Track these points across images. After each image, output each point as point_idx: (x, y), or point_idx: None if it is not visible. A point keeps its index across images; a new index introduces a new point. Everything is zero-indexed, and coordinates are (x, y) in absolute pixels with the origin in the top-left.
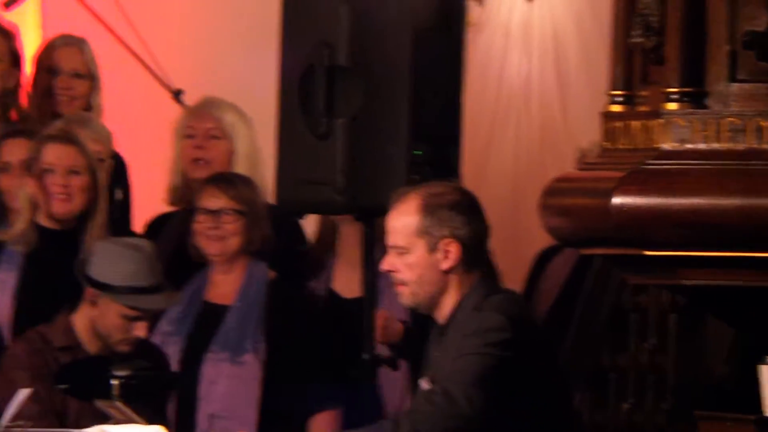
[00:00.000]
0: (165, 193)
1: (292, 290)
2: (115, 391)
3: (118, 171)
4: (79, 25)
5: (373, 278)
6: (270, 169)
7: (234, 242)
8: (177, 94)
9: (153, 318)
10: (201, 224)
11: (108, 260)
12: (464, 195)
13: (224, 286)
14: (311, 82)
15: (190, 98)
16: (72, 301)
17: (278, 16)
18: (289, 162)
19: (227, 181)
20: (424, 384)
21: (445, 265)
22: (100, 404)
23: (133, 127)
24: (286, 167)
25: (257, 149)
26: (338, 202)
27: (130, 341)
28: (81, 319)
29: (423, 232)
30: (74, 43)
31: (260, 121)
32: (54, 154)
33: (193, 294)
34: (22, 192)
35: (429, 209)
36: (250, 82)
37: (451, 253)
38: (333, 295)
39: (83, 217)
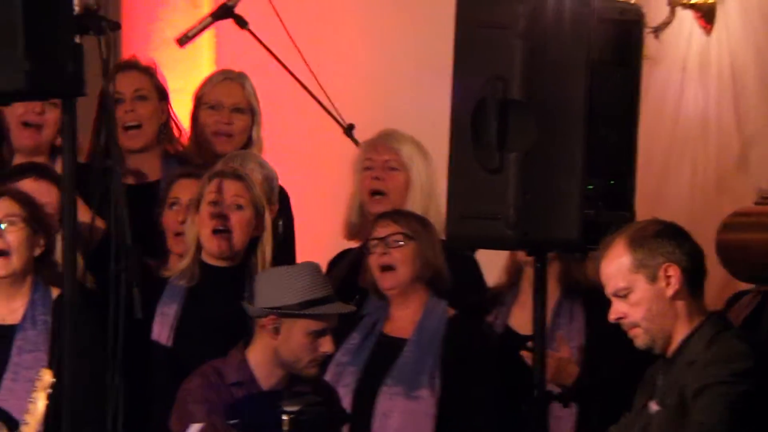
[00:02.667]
0: (342, 228)
1: (470, 327)
2: (286, 427)
3: (282, 204)
4: (252, 61)
5: (543, 314)
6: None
7: (404, 272)
8: (349, 129)
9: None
10: (373, 255)
11: (277, 284)
12: (666, 223)
13: (402, 320)
14: (483, 116)
15: (362, 133)
16: (230, 337)
17: (451, 49)
18: (461, 196)
19: (399, 213)
20: (653, 406)
21: (670, 291)
22: None
23: (304, 161)
24: (458, 201)
25: (434, 181)
26: (509, 236)
27: (318, 361)
28: (256, 354)
29: (639, 266)
30: (234, 78)
31: (432, 155)
32: (218, 190)
33: (371, 325)
34: (188, 229)
35: (637, 243)
36: (421, 116)
37: (672, 278)
38: (509, 331)
39: (248, 254)
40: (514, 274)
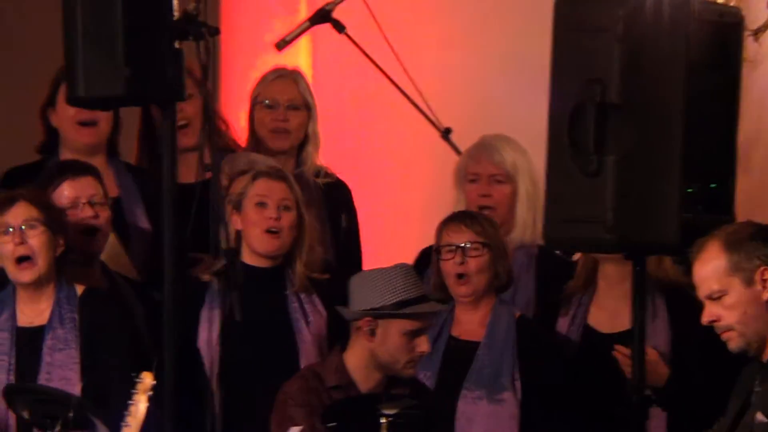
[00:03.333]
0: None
1: (541, 327)
2: (384, 430)
3: (343, 198)
4: (349, 64)
5: (643, 317)
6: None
7: (480, 280)
8: (446, 133)
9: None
10: (448, 262)
11: (372, 286)
12: (760, 225)
13: (471, 323)
14: (581, 119)
15: (458, 136)
16: (274, 338)
17: (548, 52)
18: (558, 199)
19: (471, 216)
20: (760, 417)
21: (766, 294)
22: None
23: (399, 164)
24: (555, 204)
25: (539, 186)
26: (608, 239)
27: (416, 361)
28: (354, 357)
29: (735, 269)
30: (288, 75)
31: None
32: (266, 189)
33: (439, 329)
34: (229, 229)
35: (733, 246)
36: (518, 120)
37: None
38: (589, 330)
39: (289, 255)
40: (589, 273)
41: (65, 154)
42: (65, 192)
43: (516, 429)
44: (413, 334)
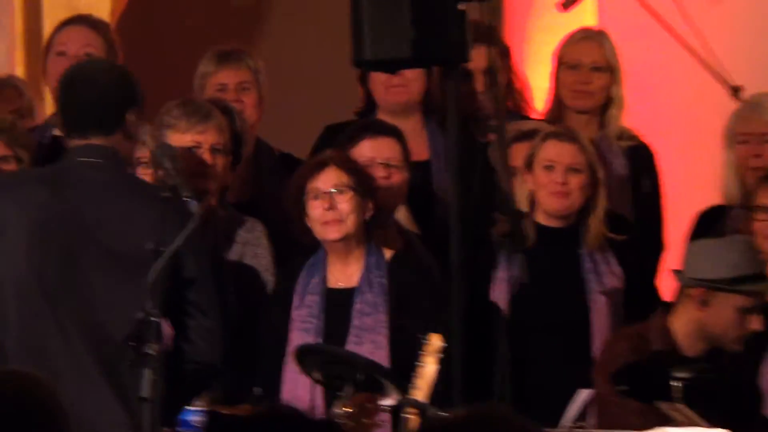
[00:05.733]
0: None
1: None
2: (677, 394)
3: (646, 162)
4: (635, 24)
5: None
6: None
7: None
8: (736, 91)
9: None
10: (763, 223)
11: (709, 256)
12: None
13: None
14: None
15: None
16: (564, 298)
17: None
18: None
19: None
20: None
21: None
22: (662, 406)
23: (687, 124)
24: None
25: None
26: None
27: (745, 338)
28: (680, 323)
29: None
30: (593, 37)
31: None
32: (554, 152)
33: None
34: (520, 189)
35: None
36: None
37: None
38: None
39: (581, 214)
40: None
41: (381, 116)
42: (362, 150)
43: None
44: (747, 311)
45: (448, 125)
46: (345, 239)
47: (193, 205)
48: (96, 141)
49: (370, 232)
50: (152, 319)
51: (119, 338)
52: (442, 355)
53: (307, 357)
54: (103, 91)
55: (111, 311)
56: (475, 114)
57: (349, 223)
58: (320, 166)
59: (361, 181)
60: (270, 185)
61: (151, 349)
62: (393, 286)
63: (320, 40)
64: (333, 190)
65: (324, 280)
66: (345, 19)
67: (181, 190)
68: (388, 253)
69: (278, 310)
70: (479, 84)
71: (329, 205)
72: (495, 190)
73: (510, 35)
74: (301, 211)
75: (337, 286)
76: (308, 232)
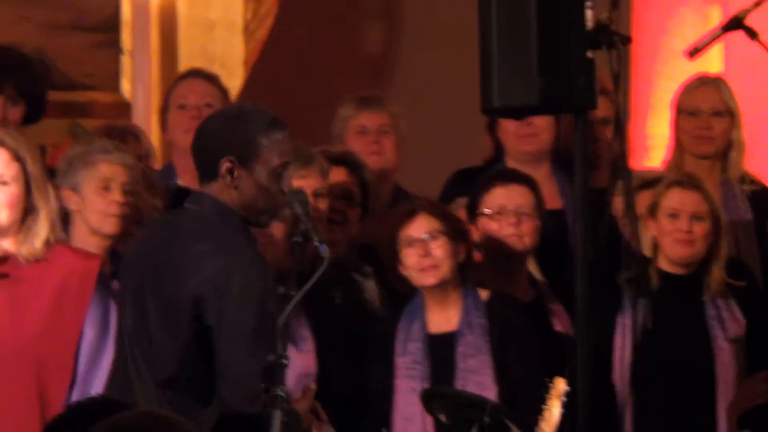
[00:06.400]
0: None
1: None
2: None
3: None
4: (762, 71)
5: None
6: None
7: None
8: None
9: None
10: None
11: None
12: None
13: None
14: None
15: None
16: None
17: None
18: None
19: None
20: None
21: None
22: None
23: None
24: None
25: None
26: None
27: None
28: None
29: None
30: (710, 83)
31: None
32: (678, 200)
33: None
34: (645, 235)
35: None
36: None
37: None
38: None
39: (704, 262)
40: None
41: (510, 164)
42: (494, 198)
43: None
44: None
45: (576, 172)
46: (441, 284)
47: (324, 250)
48: (202, 188)
49: (465, 274)
50: (283, 361)
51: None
52: (565, 399)
53: (434, 400)
54: (204, 139)
55: (162, 353)
56: (596, 161)
57: (445, 268)
58: (411, 214)
59: (452, 225)
60: None
61: (281, 391)
62: (493, 326)
63: (448, 87)
64: (426, 236)
65: (424, 325)
66: (473, 67)
67: (311, 235)
68: (484, 294)
69: (382, 357)
70: (600, 131)
71: (424, 252)
72: (617, 237)
73: (636, 83)
74: (396, 260)
75: (437, 331)
76: (404, 280)
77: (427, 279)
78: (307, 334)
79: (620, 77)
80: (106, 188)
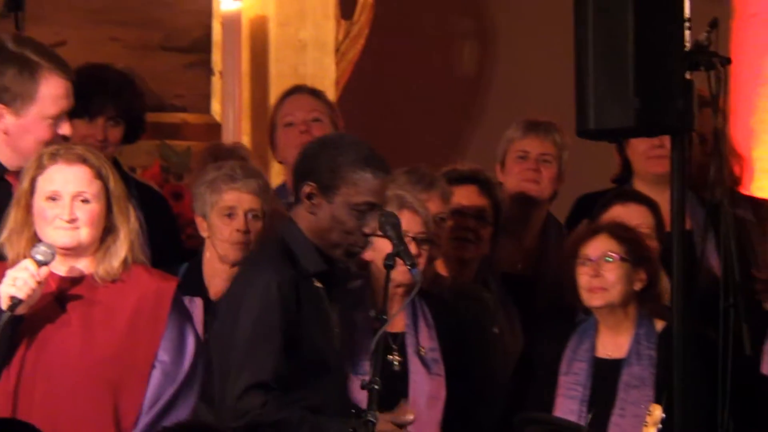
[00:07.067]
0: None
1: None
2: None
3: None
4: None
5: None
6: None
7: None
8: None
9: None
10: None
11: None
12: None
13: None
14: None
15: None
16: None
17: None
18: None
19: None
20: None
21: None
22: None
23: None
24: None
25: None
26: None
27: None
28: None
29: None
30: None
31: None
32: None
33: None
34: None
35: None
36: None
37: None
38: None
39: None
40: None
41: (637, 185)
42: (611, 216)
43: None
44: None
45: (674, 193)
46: (609, 307)
47: (416, 274)
48: (291, 211)
49: (644, 301)
50: (375, 387)
51: None
52: (661, 426)
53: (527, 427)
54: (299, 161)
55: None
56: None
57: (614, 293)
58: (593, 233)
59: (632, 250)
60: (555, 260)
61: (372, 416)
62: (663, 359)
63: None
64: (600, 257)
65: (593, 348)
66: (569, 87)
67: (403, 258)
68: (659, 325)
69: (543, 374)
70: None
71: (594, 273)
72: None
73: (736, 104)
74: (573, 277)
75: (605, 356)
76: (579, 299)
77: (594, 300)
78: (438, 357)
79: (719, 99)
80: (229, 215)
